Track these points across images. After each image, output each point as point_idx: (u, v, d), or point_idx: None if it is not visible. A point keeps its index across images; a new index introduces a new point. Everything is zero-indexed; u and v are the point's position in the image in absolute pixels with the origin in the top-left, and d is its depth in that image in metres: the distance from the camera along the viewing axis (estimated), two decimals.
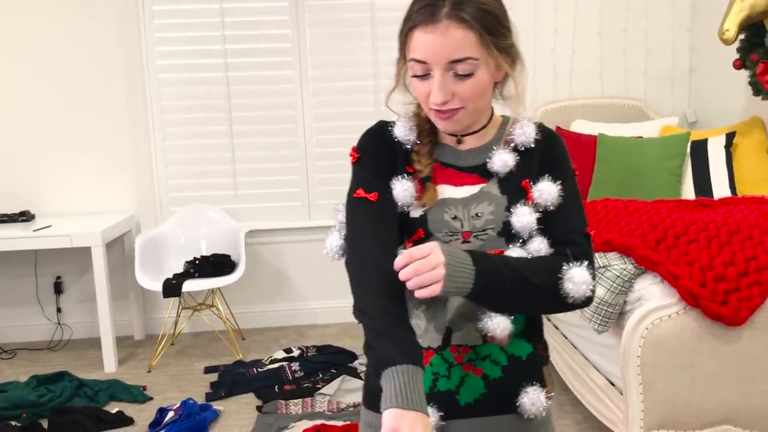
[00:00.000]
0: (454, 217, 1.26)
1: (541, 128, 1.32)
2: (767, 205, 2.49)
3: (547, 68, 4.35)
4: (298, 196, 4.46)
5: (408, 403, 1.08)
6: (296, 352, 3.88)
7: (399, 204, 1.27)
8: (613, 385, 2.54)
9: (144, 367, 3.90)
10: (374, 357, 1.16)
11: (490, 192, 1.28)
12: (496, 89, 1.29)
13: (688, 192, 3.63)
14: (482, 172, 1.30)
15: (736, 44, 3.46)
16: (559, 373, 3.07)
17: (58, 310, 4.40)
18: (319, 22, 4.34)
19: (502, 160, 1.28)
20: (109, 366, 3.86)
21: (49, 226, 3.95)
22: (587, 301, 1.24)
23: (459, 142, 1.32)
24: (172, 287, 3.77)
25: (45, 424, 3.17)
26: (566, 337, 3.06)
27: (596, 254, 1.33)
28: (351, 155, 1.34)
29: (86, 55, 4.24)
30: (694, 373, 2.24)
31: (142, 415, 3.31)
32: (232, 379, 3.61)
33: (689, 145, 3.72)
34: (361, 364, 3.75)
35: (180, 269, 4.07)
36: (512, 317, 1.24)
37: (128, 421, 3.25)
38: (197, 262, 4.05)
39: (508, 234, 1.26)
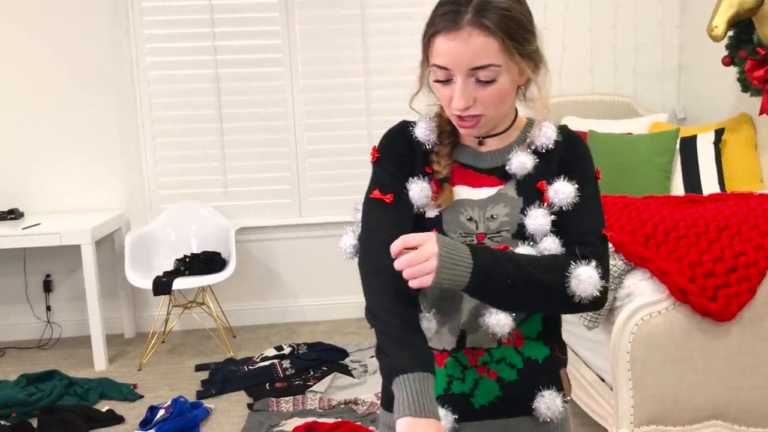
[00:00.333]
0: (470, 219, 1.26)
1: (563, 130, 1.31)
2: (756, 201, 2.50)
3: None
4: (288, 194, 4.46)
5: (420, 411, 1.10)
6: (287, 350, 3.87)
7: (415, 205, 1.27)
8: (603, 380, 2.55)
9: (134, 366, 3.89)
10: (386, 363, 1.16)
11: (507, 194, 1.28)
12: (519, 91, 1.29)
13: (678, 188, 3.65)
14: (501, 174, 1.29)
15: (725, 41, 3.47)
16: None
17: (48, 308, 4.38)
18: (310, 18, 4.33)
19: (520, 162, 1.27)
20: (100, 364, 3.85)
21: (38, 224, 3.93)
22: (597, 303, 1.21)
23: (480, 143, 1.31)
24: (162, 285, 3.75)
25: (35, 423, 3.16)
26: None
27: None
28: (371, 155, 1.33)
29: (75, 53, 4.21)
30: (683, 368, 2.25)
31: (133, 413, 3.30)
32: (223, 377, 3.60)
33: (678, 141, 3.74)
34: (352, 361, 3.75)
35: (170, 267, 4.05)
36: (513, 314, 1.22)
37: (119, 420, 3.24)
38: (187, 259, 4.04)
39: (523, 236, 1.25)
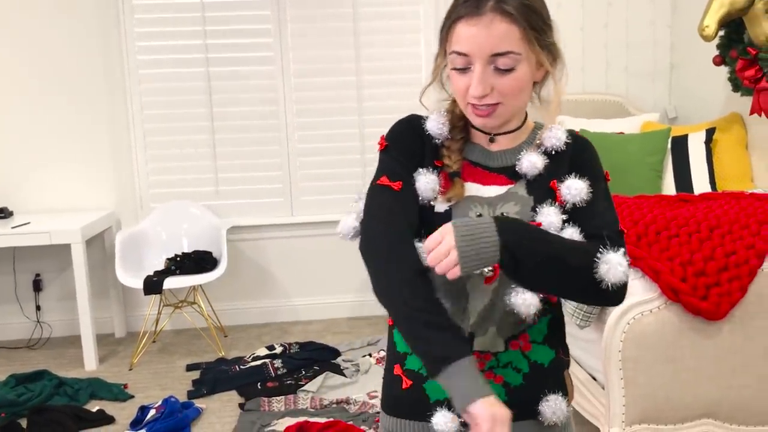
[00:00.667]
0: (479, 216, 1.25)
1: (571, 133, 1.32)
2: (747, 200, 2.51)
3: None
4: (280, 192, 4.45)
5: (488, 390, 1.11)
6: (279, 349, 3.86)
7: (421, 197, 1.26)
8: (594, 379, 2.56)
9: (125, 365, 3.87)
10: (427, 351, 1.14)
11: (517, 193, 1.27)
12: (533, 91, 1.29)
13: (669, 187, 3.66)
14: (511, 174, 1.29)
15: (716, 41, 3.48)
16: None
17: (38, 308, 4.36)
18: (301, 17, 4.32)
19: (531, 162, 1.27)
20: (90, 364, 3.83)
21: (28, 223, 3.90)
22: (619, 295, 1.20)
23: (492, 140, 1.30)
24: (153, 284, 3.74)
25: (24, 423, 3.14)
26: None
27: None
28: (379, 143, 1.32)
29: (65, 50, 4.19)
30: (675, 367, 2.25)
31: (123, 413, 3.28)
32: (214, 377, 3.59)
33: (670, 140, 3.75)
34: (344, 360, 3.75)
35: (161, 266, 4.04)
36: (540, 296, 1.21)
37: (109, 420, 3.22)
38: (178, 259, 4.03)
39: None
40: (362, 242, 1.25)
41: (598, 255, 1.18)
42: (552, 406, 1.26)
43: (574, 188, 1.25)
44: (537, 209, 1.25)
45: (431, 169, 1.27)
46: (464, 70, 1.21)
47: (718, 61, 3.55)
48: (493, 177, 1.29)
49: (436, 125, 1.30)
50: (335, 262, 4.47)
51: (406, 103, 4.33)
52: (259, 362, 3.73)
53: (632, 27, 4.43)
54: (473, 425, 1.10)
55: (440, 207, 1.26)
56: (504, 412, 1.10)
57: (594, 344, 2.48)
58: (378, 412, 3.10)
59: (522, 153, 1.29)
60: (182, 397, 3.37)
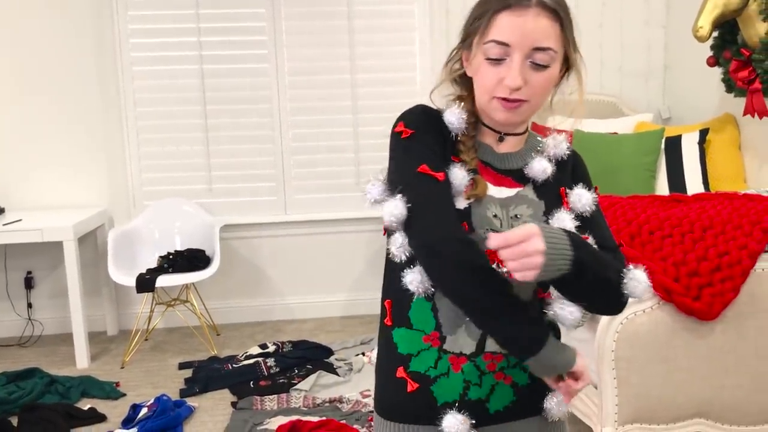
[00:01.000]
0: (495, 216, 1.25)
1: (568, 144, 1.34)
2: (740, 200, 2.52)
3: None
4: (273, 191, 4.44)
5: (572, 348, 1.21)
6: (272, 348, 3.85)
7: (453, 191, 1.23)
8: None
9: (117, 363, 3.86)
10: (521, 336, 1.17)
11: (527, 196, 1.28)
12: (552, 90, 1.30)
13: (662, 188, 3.67)
14: (518, 177, 1.29)
15: (710, 42, 3.49)
16: None
17: (29, 305, 4.33)
18: (296, 15, 4.31)
19: (542, 167, 1.29)
20: (82, 362, 3.81)
21: (20, 220, 3.88)
22: (622, 307, 1.26)
23: (501, 140, 1.30)
24: (145, 282, 3.72)
25: (15, 421, 3.12)
26: None
27: None
28: (400, 129, 1.25)
29: (58, 47, 4.17)
30: (667, 367, 2.26)
31: (115, 411, 3.27)
32: (206, 375, 3.58)
33: (663, 141, 3.76)
34: (337, 359, 3.74)
35: (154, 264, 4.02)
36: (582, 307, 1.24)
37: (101, 418, 3.21)
38: (171, 256, 4.01)
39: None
40: (421, 235, 1.18)
41: (624, 271, 1.22)
42: (558, 402, 1.28)
43: (585, 198, 1.29)
44: (552, 214, 1.26)
45: (461, 165, 1.25)
46: (498, 61, 1.20)
47: (712, 62, 3.56)
48: (501, 178, 1.29)
49: (457, 118, 1.26)
50: (328, 261, 4.46)
51: (401, 102, 4.34)
52: (251, 361, 3.72)
53: (626, 27, 4.44)
54: (581, 378, 1.21)
55: (460, 204, 1.24)
56: (586, 360, 1.21)
57: (587, 344, 2.48)
58: (372, 411, 3.10)
59: (530, 158, 1.30)
60: (174, 396, 3.36)
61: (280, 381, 3.50)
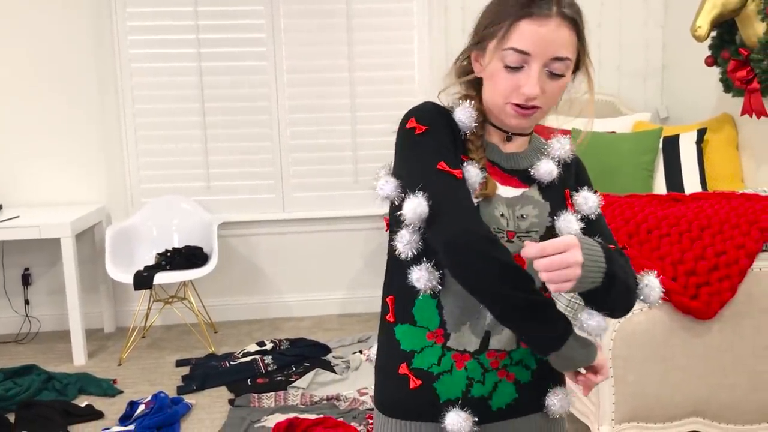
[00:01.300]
0: (502, 215, 1.25)
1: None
2: (737, 200, 2.52)
3: None
4: (271, 189, 4.43)
5: (592, 342, 1.23)
6: (269, 346, 3.86)
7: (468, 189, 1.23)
8: None
9: (114, 360, 3.86)
10: (546, 331, 1.17)
11: (533, 196, 1.28)
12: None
13: (660, 187, 3.68)
14: (523, 178, 1.30)
15: (708, 41, 3.49)
16: None
17: (26, 302, 4.33)
18: (295, 13, 4.31)
19: (548, 169, 1.29)
20: (79, 359, 3.81)
21: (17, 216, 3.88)
22: (631, 308, 1.27)
23: (509, 139, 1.30)
24: (143, 279, 3.72)
25: (12, 418, 3.12)
26: None
27: None
28: (413, 125, 1.23)
29: (57, 44, 4.16)
30: (664, 366, 2.26)
31: (113, 408, 3.27)
32: (204, 373, 3.58)
33: (661, 140, 3.76)
34: (334, 357, 3.74)
35: (151, 261, 4.02)
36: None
37: (98, 415, 3.21)
38: (169, 254, 4.01)
39: (551, 239, 1.24)
40: (447, 232, 1.15)
41: (639, 277, 1.26)
42: (560, 399, 1.29)
43: (591, 200, 1.30)
44: (558, 215, 1.27)
45: (473, 163, 1.24)
46: (516, 69, 1.20)
47: (710, 61, 3.57)
48: (507, 178, 1.29)
49: (467, 116, 1.26)
50: (326, 259, 4.46)
51: (399, 100, 4.36)
52: (249, 358, 3.72)
53: (625, 27, 4.44)
54: (602, 372, 1.23)
55: None
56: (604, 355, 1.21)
57: None
58: (370, 409, 3.10)
59: (536, 159, 1.31)
60: (172, 393, 3.36)
61: (278, 378, 3.50)
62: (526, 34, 1.17)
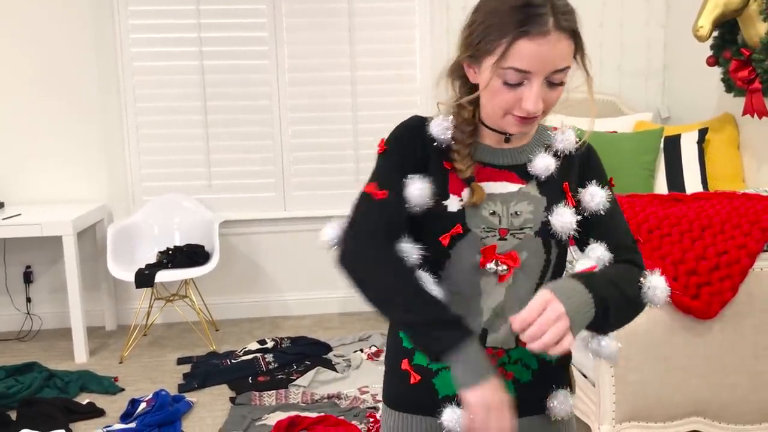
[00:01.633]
0: (492, 213, 1.25)
1: (579, 136, 1.34)
2: (739, 200, 2.52)
3: None
4: (273, 187, 4.44)
5: (485, 372, 1.11)
6: (270, 344, 3.86)
7: (413, 203, 1.24)
8: (585, 377, 2.57)
9: (115, 358, 3.86)
10: (434, 346, 1.14)
11: (530, 192, 1.27)
12: None
13: (661, 187, 3.68)
14: (521, 173, 1.28)
15: (710, 41, 3.50)
16: None
17: (28, 299, 4.34)
18: (296, 11, 4.31)
19: (545, 164, 1.27)
20: (80, 357, 3.82)
21: (19, 214, 3.88)
22: (641, 311, 1.26)
23: (507, 140, 1.29)
24: (144, 277, 3.73)
25: (14, 416, 3.13)
26: None
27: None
28: (378, 146, 1.29)
29: (59, 42, 4.16)
30: (665, 365, 2.27)
31: (114, 406, 3.27)
32: (205, 371, 3.59)
33: (662, 140, 3.77)
34: (335, 356, 3.75)
35: (153, 259, 4.02)
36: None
37: (99, 413, 3.21)
38: (170, 252, 4.01)
39: (546, 234, 1.25)
40: (342, 254, 1.24)
41: (641, 280, 1.24)
42: (561, 401, 1.28)
43: (598, 196, 1.28)
44: (549, 211, 1.26)
45: (423, 176, 1.25)
46: (516, 85, 1.18)
47: (712, 61, 3.57)
48: (503, 174, 1.28)
49: (440, 130, 1.27)
50: (327, 258, 4.43)
51: (400, 99, 4.36)
52: (250, 356, 3.73)
53: (626, 27, 4.44)
54: (468, 418, 1.11)
55: (453, 206, 1.25)
56: (499, 397, 1.10)
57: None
58: (370, 408, 3.11)
59: (533, 153, 1.29)
60: (173, 391, 3.37)
61: (279, 377, 3.51)
62: (526, 53, 1.14)
